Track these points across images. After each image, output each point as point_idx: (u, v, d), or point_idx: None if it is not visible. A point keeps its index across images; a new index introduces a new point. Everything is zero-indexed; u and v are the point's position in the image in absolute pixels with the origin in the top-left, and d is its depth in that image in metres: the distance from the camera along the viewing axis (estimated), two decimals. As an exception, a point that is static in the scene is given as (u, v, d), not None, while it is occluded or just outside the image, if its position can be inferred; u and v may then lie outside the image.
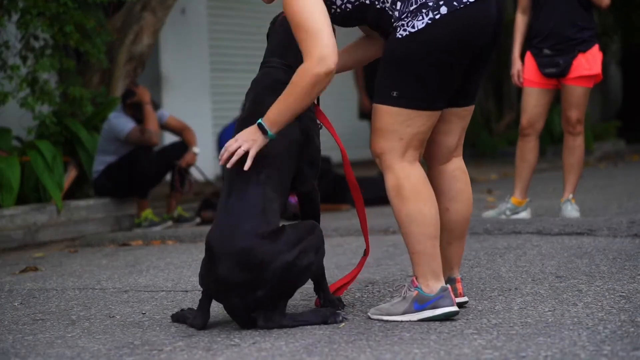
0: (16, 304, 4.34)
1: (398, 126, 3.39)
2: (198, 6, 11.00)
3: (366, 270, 4.64)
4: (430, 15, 3.31)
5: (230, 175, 3.47)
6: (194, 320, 3.51)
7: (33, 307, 4.22)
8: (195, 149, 7.56)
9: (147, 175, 7.27)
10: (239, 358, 3.05)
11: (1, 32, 7.44)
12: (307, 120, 3.61)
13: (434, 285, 3.39)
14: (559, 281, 4.03)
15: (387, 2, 3.40)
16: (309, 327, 3.41)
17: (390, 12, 3.40)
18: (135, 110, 7.28)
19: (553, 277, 4.13)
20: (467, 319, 3.41)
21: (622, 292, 3.71)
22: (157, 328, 3.60)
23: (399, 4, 3.37)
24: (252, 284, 3.33)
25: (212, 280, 3.42)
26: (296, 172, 3.57)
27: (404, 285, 3.49)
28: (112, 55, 8.14)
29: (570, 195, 6.17)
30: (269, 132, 3.37)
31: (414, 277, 3.43)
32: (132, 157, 7.23)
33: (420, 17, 3.32)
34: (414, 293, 3.40)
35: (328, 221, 6.56)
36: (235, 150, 3.38)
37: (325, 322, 3.44)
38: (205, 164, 8.84)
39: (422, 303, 3.39)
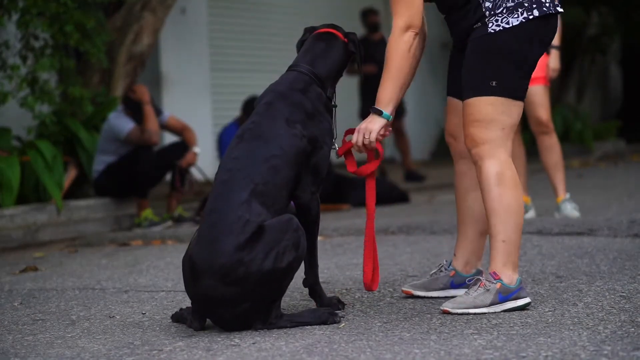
0: (16, 304, 4.34)
1: (498, 116, 3.56)
2: (198, 6, 11.00)
3: (366, 270, 4.64)
4: (525, 14, 3.54)
5: (215, 190, 3.45)
6: (191, 324, 3.50)
7: (33, 307, 4.22)
8: (196, 149, 7.56)
9: (147, 175, 7.27)
10: (239, 358, 3.04)
11: (1, 31, 7.44)
12: (318, 130, 3.55)
13: (513, 276, 3.52)
14: (559, 281, 4.03)
15: None
16: (309, 327, 3.40)
17: (481, 1, 3.57)
18: (135, 111, 7.28)
19: (553, 277, 4.13)
20: (467, 319, 3.41)
21: (623, 292, 3.71)
22: (157, 328, 3.60)
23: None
24: (237, 298, 3.31)
25: (195, 295, 3.40)
26: (298, 180, 3.51)
27: (479, 279, 3.54)
28: (112, 55, 8.14)
29: (568, 195, 6.18)
30: (383, 112, 3.56)
31: (492, 270, 3.52)
32: (132, 157, 7.23)
33: (516, 15, 3.55)
34: (497, 285, 3.50)
35: (328, 221, 6.55)
36: (362, 144, 3.58)
37: (324, 323, 3.43)
38: (205, 163, 8.83)
39: (505, 294, 3.50)
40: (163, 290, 4.44)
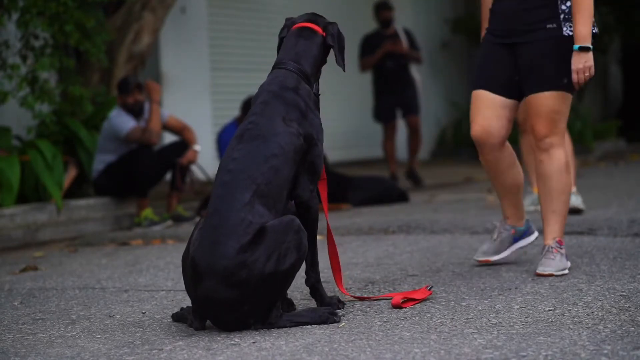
0: (16, 303, 4.34)
1: (567, 109, 4.21)
2: (198, 5, 11.00)
3: (366, 269, 4.65)
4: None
5: (216, 192, 3.44)
6: (192, 323, 3.50)
7: (33, 307, 4.22)
8: (197, 147, 7.56)
9: (147, 174, 7.27)
10: (239, 357, 3.04)
11: (1, 31, 7.44)
12: (312, 128, 3.56)
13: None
14: (559, 280, 4.03)
15: None
16: (309, 326, 3.40)
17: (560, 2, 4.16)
18: (129, 94, 7.25)
19: (553, 277, 4.12)
20: (467, 319, 3.41)
21: (623, 292, 3.71)
22: (157, 327, 3.60)
23: (568, 2, 4.13)
24: (239, 300, 3.30)
25: (197, 297, 3.39)
26: (295, 179, 3.51)
27: (551, 247, 4.18)
28: (112, 55, 8.14)
29: (574, 189, 6.32)
30: (590, 46, 4.06)
31: (558, 239, 4.20)
32: (132, 156, 7.23)
33: (570, 25, 4.14)
34: (563, 251, 4.20)
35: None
36: (584, 78, 4.10)
37: (324, 322, 3.43)
38: (205, 163, 8.83)
39: (565, 258, 4.23)
40: (163, 290, 4.44)
